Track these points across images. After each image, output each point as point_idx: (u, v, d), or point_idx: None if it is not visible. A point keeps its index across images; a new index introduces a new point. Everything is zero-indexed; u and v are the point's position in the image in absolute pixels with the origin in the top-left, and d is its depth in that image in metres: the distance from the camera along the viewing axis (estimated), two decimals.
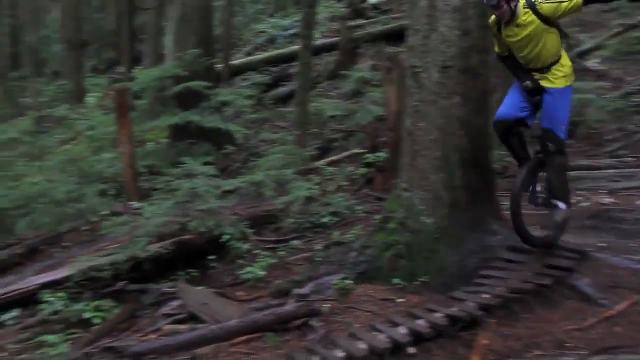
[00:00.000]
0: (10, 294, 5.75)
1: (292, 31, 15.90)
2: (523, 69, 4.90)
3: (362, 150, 8.38)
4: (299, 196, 6.91)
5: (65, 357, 4.84)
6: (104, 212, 7.72)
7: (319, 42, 13.24)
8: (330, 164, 8.64)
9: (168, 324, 5.27)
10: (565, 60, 4.86)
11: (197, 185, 6.65)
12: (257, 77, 13.62)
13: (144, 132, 10.29)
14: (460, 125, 5.22)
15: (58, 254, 7.09)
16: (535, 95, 4.86)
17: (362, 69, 12.39)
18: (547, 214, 5.02)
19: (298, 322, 4.83)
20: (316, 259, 5.97)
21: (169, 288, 5.86)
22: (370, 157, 7.85)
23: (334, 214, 6.86)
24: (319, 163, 8.68)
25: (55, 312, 5.56)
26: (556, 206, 4.94)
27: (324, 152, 9.50)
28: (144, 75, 10.62)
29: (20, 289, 5.82)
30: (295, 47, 13.35)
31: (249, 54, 15.65)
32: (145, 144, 10.64)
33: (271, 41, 16.33)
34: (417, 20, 5.31)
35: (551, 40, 4.72)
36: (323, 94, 12.06)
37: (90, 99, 16.22)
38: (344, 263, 5.54)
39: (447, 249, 5.12)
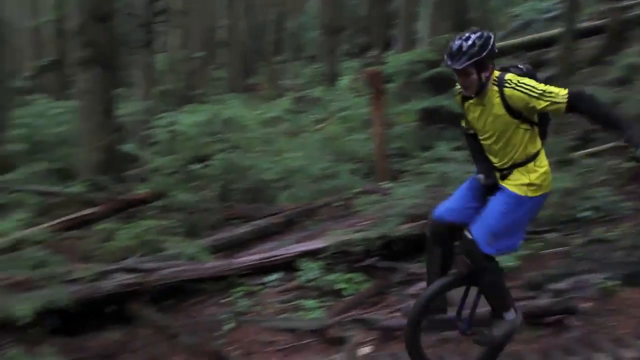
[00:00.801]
0: (274, 259, 6.23)
1: (551, 14, 15.03)
2: (485, 157, 3.69)
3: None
4: (558, 187, 6.49)
5: (320, 322, 5.13)
6: (355, 190, 8.01)
7: (583, 25, 12.31)
8: (591, 155, 8.01)
9: None
10: (540, 165, 3.54)
11: (450, 169, 6.59)
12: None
13: (394, 115, 10.47)
14: None
15: (312, 227, 7.52)
16: (491, 194, 3.63)
17: (632, 54, 11.28)
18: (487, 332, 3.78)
19: (552, 318, 4.62)
20: (575, 255, 5.60)
21: (417, 269, 5.90)
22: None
23: (595, 208, 6.34)
24: (578, 154, 8.09)
25: (311, 280, 5.91)
26: (501, 319, 3.72)
27: (583, 142, 8.83)
28: (395, 59, 10.77)
29: (282, 254, 6.27)
30: (554, 31, 12.57)
31: (504, 38, 15.11)
32: (395, 126, 10.82)
33: (527, 25, 15.60)
34: None
35: (519, 136, 3.47)
36: (584, 81, 11.21)
37: (343, 81, 17.00)
38: (607, 262, 5.15)
39: None
